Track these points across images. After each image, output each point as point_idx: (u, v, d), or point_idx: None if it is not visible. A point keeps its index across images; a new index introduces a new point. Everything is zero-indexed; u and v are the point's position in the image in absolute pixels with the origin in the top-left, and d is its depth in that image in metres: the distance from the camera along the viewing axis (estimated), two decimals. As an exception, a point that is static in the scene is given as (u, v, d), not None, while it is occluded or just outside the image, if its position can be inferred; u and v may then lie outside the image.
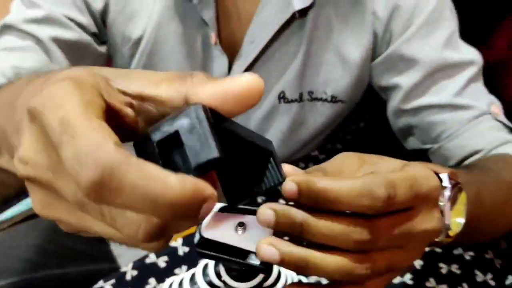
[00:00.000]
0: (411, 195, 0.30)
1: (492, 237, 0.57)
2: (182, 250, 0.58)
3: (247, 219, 0.32)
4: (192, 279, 0.37)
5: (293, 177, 0.29)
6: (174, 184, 0.19)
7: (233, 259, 0.30)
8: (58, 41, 0.60)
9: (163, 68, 0.66)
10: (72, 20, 0.61)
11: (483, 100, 0.63)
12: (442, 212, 0.37)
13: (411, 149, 0.69)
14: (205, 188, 0.20)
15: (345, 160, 0.35)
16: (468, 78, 0.63)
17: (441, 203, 0.37)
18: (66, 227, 0.24)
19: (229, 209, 0.32)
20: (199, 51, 0.65)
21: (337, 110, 0.70)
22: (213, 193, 0.20)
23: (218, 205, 0.32)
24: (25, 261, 0.78)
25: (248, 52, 0.64)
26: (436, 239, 0.38)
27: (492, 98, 0.65)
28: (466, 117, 0.63)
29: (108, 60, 0.71)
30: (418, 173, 0.31)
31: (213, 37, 0.63)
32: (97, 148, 0.19)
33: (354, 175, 0.33)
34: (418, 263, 0.59)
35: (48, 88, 0.21)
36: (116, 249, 0.84)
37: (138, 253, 0.60)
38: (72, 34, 0.61)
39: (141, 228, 0.21)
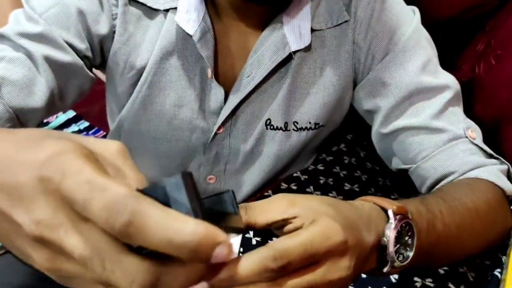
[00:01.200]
0: (306, 258, 0.34)
1: (451, 262, 0.60)
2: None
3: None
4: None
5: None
6: (188, 226, 0.24)
7: None
8: (49, 60, 0.60)
9: (162, 97, 0.69)
10: (68, 43, 0.62)
11: (460, 124, 0.65)
12: (383, 249, 0.41)
13: (394, 169, 0.72)
14: (218, 233, 0.24)
15: (274, 200, 0.40)
16: (445, 101, 0.65)
17: (384, 239, 0.41)
18: (60, 279, 0.27)
19: None
20: (197, 82, 0.68)
21: (318, 134, 0.74)
22: (226, 239, 0.24)
23: None
24: (19, 287, 0.80)
25: (244, 86, 0.67)
26: (384, 270, 0.42)
27: (469, 122, 0.67)
28: (442, 139, 0.65)
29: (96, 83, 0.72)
30: (317, 234, 0.35)
31: (209, 72, 0.66)
32: (124, 196, 0.23)
33: (279, 215, 0.38)
34: (393, 277, 0.62)
35: (57, 158, 0.25)
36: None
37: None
38: (65, 56, 0.62)
39: (135, 281, 0.25)
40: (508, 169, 0.65)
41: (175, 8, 0.64)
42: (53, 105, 0.63)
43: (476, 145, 0.65)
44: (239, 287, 0.33)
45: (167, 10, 0.65)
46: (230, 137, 0.72)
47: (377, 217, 0.43)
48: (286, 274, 0.34)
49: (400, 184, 0.80)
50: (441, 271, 0.63)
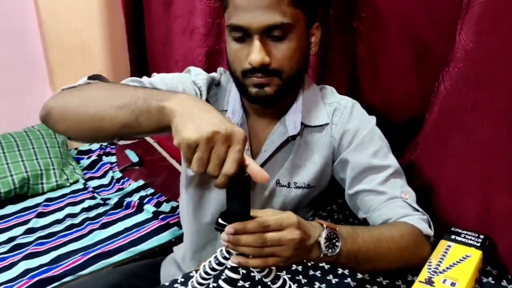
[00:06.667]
0: (278, 226, 0.68)
1: (376, 268, 0.88)
2: None
3: None
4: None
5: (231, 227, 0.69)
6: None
7: None
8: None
9: None
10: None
11: (398, 189, 0.97)
12: (319, 244, 0.75)
13: (361, 218, 1.02)
14: None
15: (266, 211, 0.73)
16: (387, 175, 0.98)
17: (320, 238, 0.75)
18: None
19: None
20: None
21: (311, 192, 1.10)
22: None
23: None
24: None
25: (262, 157, 1.05)
26: (320, 256, 0.75)
27: (406, 188, 0.98)
28: (384, 198, 0.96)
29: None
30: (284, 218, 0.70)
31: (247, 146, 0.93)
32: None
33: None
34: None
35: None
36: None
37: None
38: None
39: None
40: (428, 219, 0.97)
41: (226, 110, 1.06)
42: None
43: (407, 203, 0.97)
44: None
45: (221, 111, 1.05)
46: (252, 191, 1.07)
47: (318, 227, 0.77)
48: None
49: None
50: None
